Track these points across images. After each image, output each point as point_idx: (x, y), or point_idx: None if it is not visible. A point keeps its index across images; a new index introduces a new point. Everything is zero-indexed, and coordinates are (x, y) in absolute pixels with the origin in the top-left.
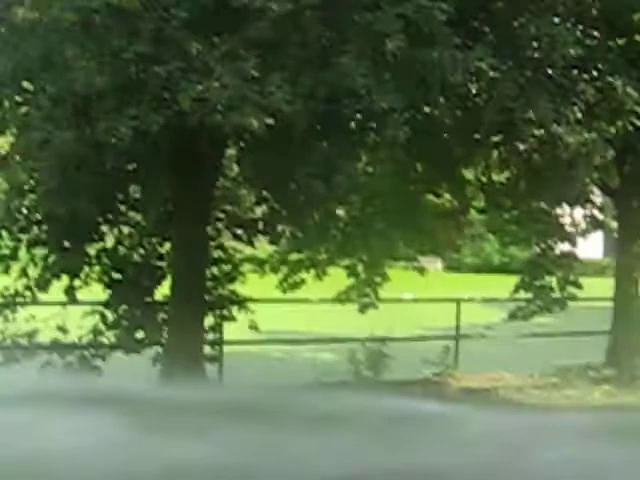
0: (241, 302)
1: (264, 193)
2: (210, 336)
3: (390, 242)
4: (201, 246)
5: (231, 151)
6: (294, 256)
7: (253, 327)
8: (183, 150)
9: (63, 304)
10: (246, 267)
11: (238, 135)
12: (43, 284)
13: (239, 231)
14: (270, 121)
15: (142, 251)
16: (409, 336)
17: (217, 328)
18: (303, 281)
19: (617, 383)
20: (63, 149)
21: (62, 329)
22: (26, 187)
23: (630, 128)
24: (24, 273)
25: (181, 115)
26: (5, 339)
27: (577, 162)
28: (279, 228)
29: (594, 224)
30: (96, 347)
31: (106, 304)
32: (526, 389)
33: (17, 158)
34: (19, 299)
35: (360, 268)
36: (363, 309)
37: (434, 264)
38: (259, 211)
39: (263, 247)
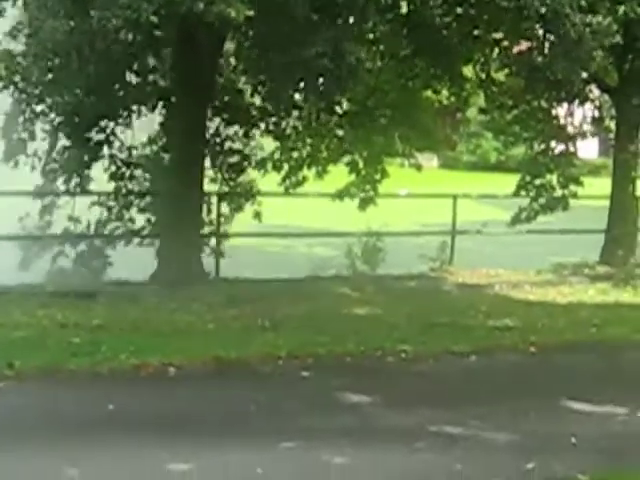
0: (248, 194)
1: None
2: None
3: (390, 138)
4: (199, 137)
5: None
6: (295, 154)
7: (257, 216)
8: (181, 41)
9: (72, 194)
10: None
11: (235, 26)
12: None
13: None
14: (250, 13)
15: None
16: (405, 231)
17: (216, 220)
18: (305, 179)
19: (612, 280)
20: (55, 38)
21: (73, 219)
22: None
23: (632, 15)
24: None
25: (171, 5)
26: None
27: (583, 41)
28: (283, 124)
29: (596, 125)
30: (104, 237)
31: (110, 195)
32: (521, 285)
33: None
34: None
35: (361, 164)
36: (363, 205)
37: (430, 161)
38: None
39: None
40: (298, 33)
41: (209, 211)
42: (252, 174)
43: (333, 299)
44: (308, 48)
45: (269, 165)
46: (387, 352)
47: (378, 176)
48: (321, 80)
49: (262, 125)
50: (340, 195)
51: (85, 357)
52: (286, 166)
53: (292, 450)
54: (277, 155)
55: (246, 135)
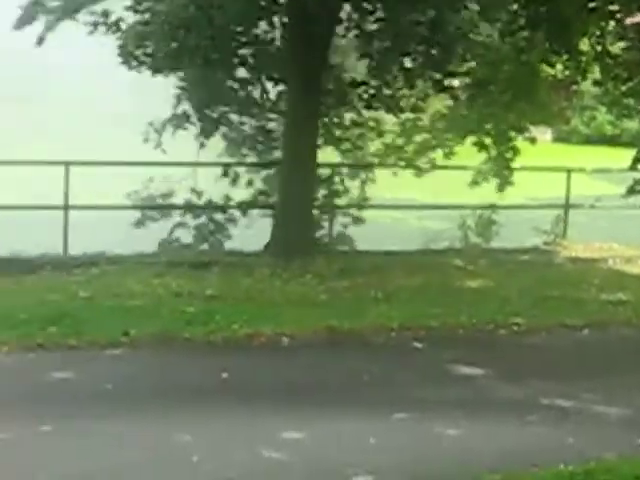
0: (365, 166)
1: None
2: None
3: (517, 113)
4: (314, 107)
5: None
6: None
7: (364, 184)
8: (295, 10)
9: (195, 165)
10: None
11: None
12: None
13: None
14: None
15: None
16: (518, 204)
17: (329, 193)
18: (434, 164)
19: None
20: (173, 12)
21: (195, 191)
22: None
23: None
24: None
25: None
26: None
27: None
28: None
29: None
30: (220, 208)
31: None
32: (635, 260)
33: None
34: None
35: (488, 142)
36: (501, 187)
37: (544, 135)
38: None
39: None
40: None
41: (324, 183)
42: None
43: (445, 271)
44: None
45: (391, 152)
46: (499, 325)
47: (510, 154)
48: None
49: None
50: (476, 180)
51: (199, 326)
52: (410, 148)
53: (405, 421)
54: (399, 141)
55: (368, 106)
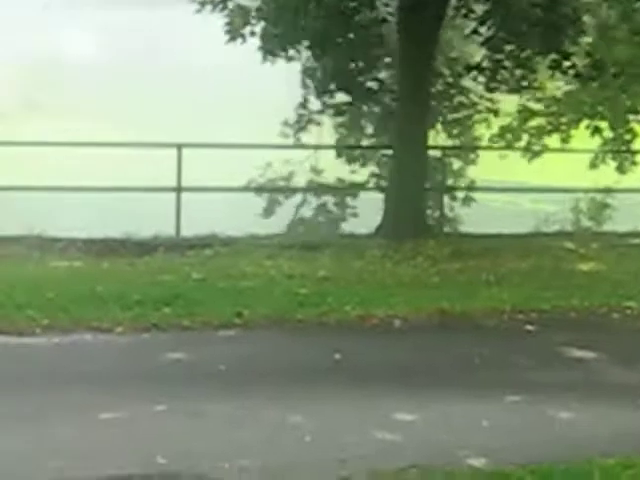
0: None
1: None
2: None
3: (632, 96)
4: (425, 89)
5: None
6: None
7: (472, 162)
8: None
9: (315, 147)
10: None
11: None
12: None
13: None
14: None
15: None
16: (633, 188)
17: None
18: (546, 147)
19: None
20: None
21: (315, 170)
22: None
23: None
24: None
25: None
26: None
27: None
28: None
29: None
30: (334, 190)
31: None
32: None
33: None
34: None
35: (603, 126)
36: (622, 169)
37: None
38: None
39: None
40: None
41: (434, 165)
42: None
43: (557, 254)
44: None
45: (508, 136)
46: (612, 308)
47: (629, 136)
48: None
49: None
50: (594, 163)
51: (311, 307)
52: (526, 136)
53: (517, 403)
54: (515, 123)
55: (488, 89)
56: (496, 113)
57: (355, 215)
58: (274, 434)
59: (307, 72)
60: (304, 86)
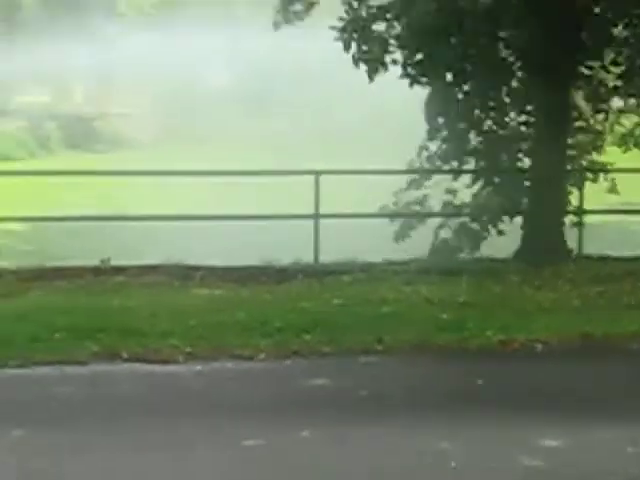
0: (602, 170)
1: None
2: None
3: None
4: (562, 113)
5: None
6: None
7: (612, 191)
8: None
9: (452, 172)
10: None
11: None
12: None
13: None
14: None
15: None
16: None
17: (579, 197)
18: None
19: None
20: (423, 19)
21: (451, 192)
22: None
23: None
24: None
25: None
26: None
27: None
28: None
29: None
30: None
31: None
32: None
33: None
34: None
35: None
36: None
37: None
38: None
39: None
40: None
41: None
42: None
43: None
44: None
45: (631, 141)
46: None
47: None
48: None
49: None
50: None
51: (452, 333)
52: None
53: None
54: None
55: (599, 111)
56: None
57: (496, 237)
58: (419, 460)
59: (446, 98)
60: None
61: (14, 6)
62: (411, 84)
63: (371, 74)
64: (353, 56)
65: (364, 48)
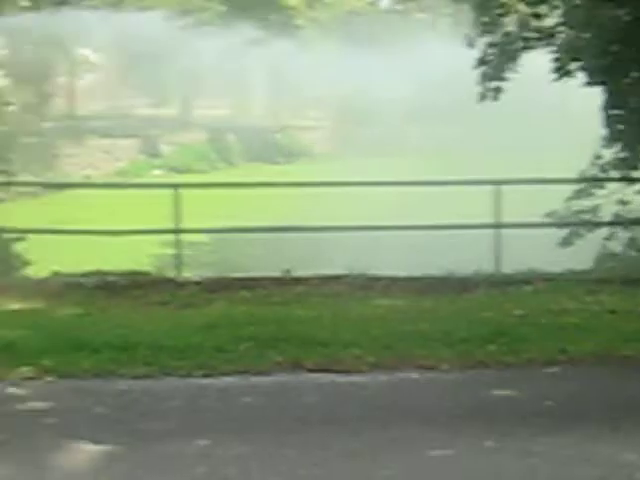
0: None
1: None
2: None
3: None
4: None
5: None
6: None
7: None
8: None
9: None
10: None
11: None
12: None
13: None
14: None
15: None
16: None
17: None
18: None
19: None
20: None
21: (624, 203)
22: None
23: None
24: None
25: None
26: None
27: None
28: None
29: None
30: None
31: None
32: None
33: None
34: None
35: None
36: None
37: None
38: None
39: None
40: None
41: None
42: None
43: None
44: None
45: None
46: None
47: None
48: None
49: None
50: None
51: (638, 343)
52: None
53: None
54: None
55: None
56: None
57: None
58: (606, 472)
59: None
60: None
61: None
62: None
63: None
64: None
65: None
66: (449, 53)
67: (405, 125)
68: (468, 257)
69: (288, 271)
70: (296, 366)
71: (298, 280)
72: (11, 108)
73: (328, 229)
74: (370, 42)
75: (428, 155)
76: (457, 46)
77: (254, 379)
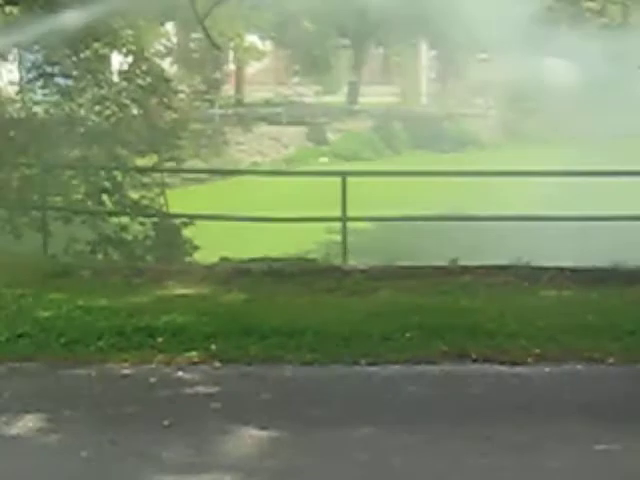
0: None
1: None
2: None
3: None
4: None
5: None
6: None
7: None
8: None
9: None
10: None
11: None
12: None
13: None
14: None
15: None
16: None
17: None
18: None
19: None
20: None
21: None
22: None
23: None
24: None
25: None
26: None
27: None
28: None
29: None
30: None
31: None
32: None
33: None
34: None
35: None
36: None
37: None
38: None
39: None
40: None
41: None
42: None
43: None
44: None
45: None
46: None
47: None
48: None
49: None
50: None
51: None
52: None
53: None
54: None
55: None
56: None
57: None
58: None
59: None
60: None
61: None
62: None
63: None
64: None
65: None
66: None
67: (577, 113)
68: (637, 249)
69: (454, 260)
70: (462, 356)
71: (464, 270)
72: (181, 95)
73: (493, 218)
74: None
75: (601, 144)
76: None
77: (419, 368)
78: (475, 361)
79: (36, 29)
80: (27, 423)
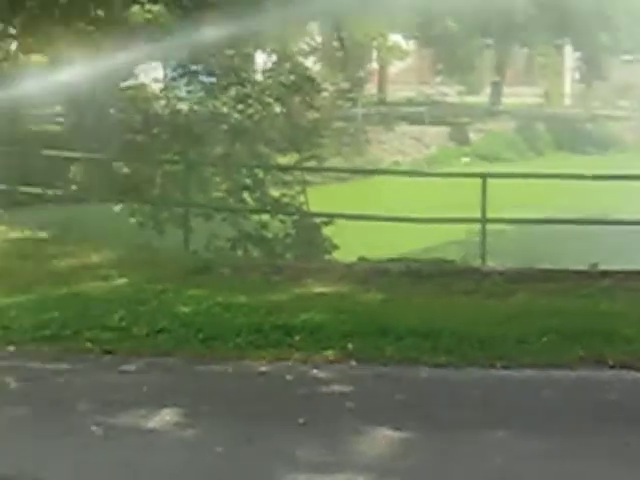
0: None
1: None
2: None
3: None
4: None
5: None
6: None
7: None
8: None
9: None
10: None
11: None
12: None
13: None
14: None
15: None
16: None
17: None
18: None
19: None
20: None
21: None
22: None
23: None
24: None
25: None
26: None
27: None
28: None
29: None
30: None
31: None
32: None
33: None
34: None
35: None
36: None
37: None
38: None
39: None
40: None
41: None
42: None
43: None
44: None
45: None
46: None
47: None
48: None
49: None
50: None
51: None
52: None
53: None
54: None
55: None
56: None
57: None
58: None
59: None
60: None
61: None
62: None
63: None
64: None
65: None
66: None
67: None
68: None
69: (595, 265)
70: (599, 361)
71: (603, 274)
72: (324, 94)
73: (634, 223)
74: None
75: None
76: None
77: (555, 373)
78: (612, 367)
79: (185, 33)
80: (164, 417)
